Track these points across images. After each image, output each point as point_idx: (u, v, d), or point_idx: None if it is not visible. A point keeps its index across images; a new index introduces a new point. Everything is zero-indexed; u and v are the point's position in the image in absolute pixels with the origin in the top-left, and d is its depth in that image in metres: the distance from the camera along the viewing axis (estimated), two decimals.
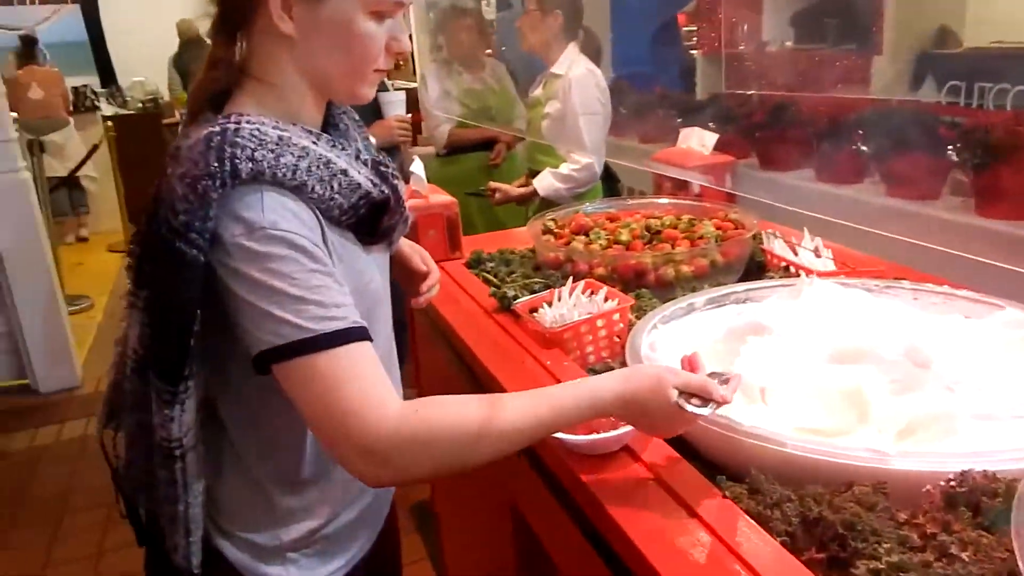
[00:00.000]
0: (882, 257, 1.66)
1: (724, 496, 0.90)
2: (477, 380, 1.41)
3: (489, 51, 3.66)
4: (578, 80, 2.49)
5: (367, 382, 0.81)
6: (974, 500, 0.79)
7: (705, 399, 0.89)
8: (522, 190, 2.68)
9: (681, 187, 2.18)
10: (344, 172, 0.88)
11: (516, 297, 1.52)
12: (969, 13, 3.92)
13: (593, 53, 2.64)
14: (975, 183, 2.27)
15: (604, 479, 0.97)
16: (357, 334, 0.82)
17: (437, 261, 1.90)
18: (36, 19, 7.38)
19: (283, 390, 0.82)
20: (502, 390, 1.27)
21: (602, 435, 1.00)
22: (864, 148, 2.56)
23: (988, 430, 0.94)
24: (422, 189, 1.89)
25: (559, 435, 0.99)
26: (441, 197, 1.92)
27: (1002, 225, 2.19)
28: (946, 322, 1.24)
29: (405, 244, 1.27)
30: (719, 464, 1.00)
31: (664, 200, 1.96)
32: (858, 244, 1.71)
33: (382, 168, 0.96)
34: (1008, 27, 3.77)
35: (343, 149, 0.91)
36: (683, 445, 1.03)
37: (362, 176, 0.91)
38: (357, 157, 0.93)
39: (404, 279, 1.29)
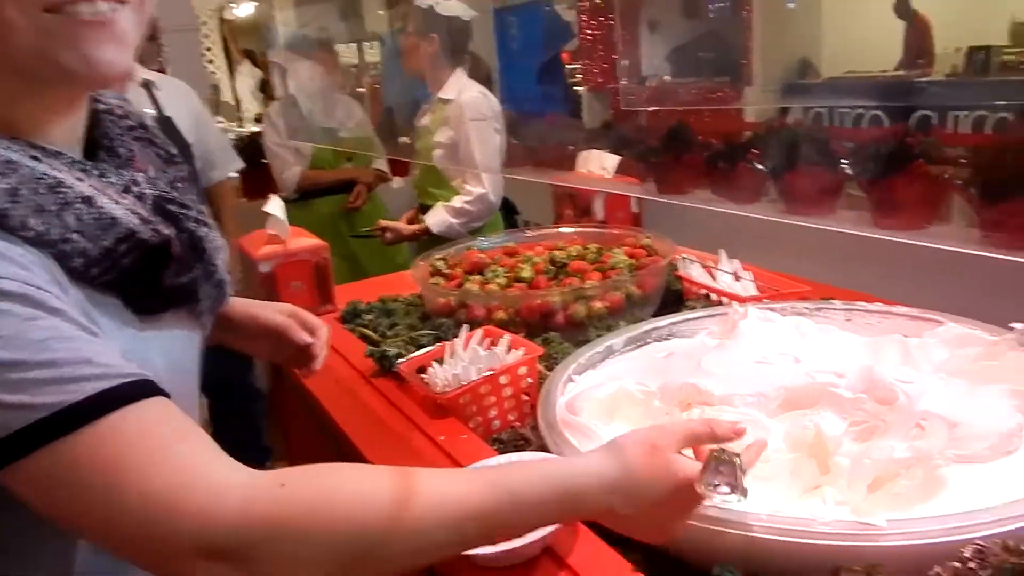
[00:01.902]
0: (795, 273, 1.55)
1: None
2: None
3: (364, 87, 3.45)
4: (470, 104, 2.31)
5: (181, 446, 0.55)
6: None
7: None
8: (415, 227, 2.46)
9: (584, 214, 2.02)
10: (87, 200, 0.60)
11: (399, 355, 1.29)
12: (825, 47, 4.23)
13: (483, 80, 2.47)
14: (869, 196, 2.21)
15: None
16: (137, 391, 0.55)
17: None
18: None
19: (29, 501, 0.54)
20: None
21: (521, 540, 0.77)
22: (760, 167, 2.49)
23: (976, 476, 0.78)
24: (282, 232, 1.64)
25: None
26: (306, 241, 1.67)
27: (898, 236, 2.14)
28: (889, 345, 1.10)
29: (270, 310, 1.00)
30: (672, 555, 0.80)
31: (568, 229, 1.78)
32: (770, 262, 1.60)
33: (170, 207, 0.67)
34: (859, 57, 4.09)
35: (101, 176, 0.64)
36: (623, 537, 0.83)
37: (121, 208, 0.63)
38: (127, 189, 0.66)
39: (281, 355, 1.02)
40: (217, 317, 0.80)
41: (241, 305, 0.99)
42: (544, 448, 0.96)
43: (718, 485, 0.65)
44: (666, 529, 0.70)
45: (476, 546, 0.65)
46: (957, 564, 0.62)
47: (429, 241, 2.43)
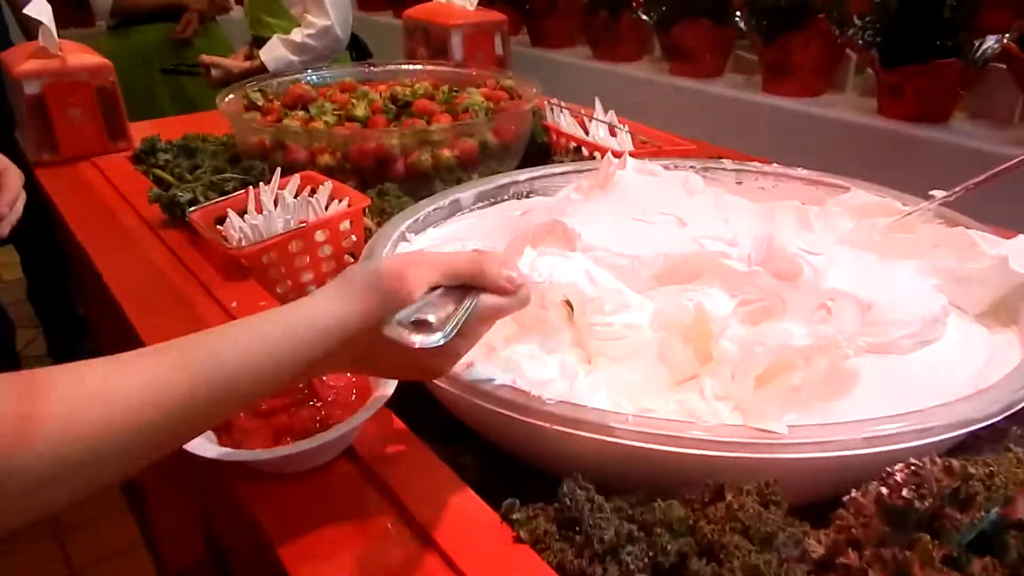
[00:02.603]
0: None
1: (516, 539, 0.50)
2: (127, 338, 0.91)
3: None
4: None
5: None
6: (932, 510, 0.46)
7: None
8: (246, 65, 2.07)
9: (438, 54, 1.72)
10: None
11: (193, 202, 1.01)
12: None
13: None
14: (762, 58, 2.04)
15: (306, 513, 0.54)
16: None
17: (88, 156, 1.34)
18: None
19: None
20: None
21: (305, 443, 0.55)
22: (645, 19, 2.25)
23: (893, 370, 0.63)
24: (52, 46, 1.27)
25: (211, 448, 0.54)
26: (87, 58, 1.31)
27: (789, 102, 1.99)
28: (784, 213, 0.93)
29: None
30: (514, 459, 0.61)
31: (417, 66, 1.49)
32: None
33: None
34: None
35: None
36: (458, 431, 0.63)
37: None
38: None
39: None
40: None
41: None
42: None
43: (421, 322, 0.46)
44: (428, 369, 0.56)
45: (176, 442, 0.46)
46: (884, 489, 0.46)
47: None
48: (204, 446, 0.54)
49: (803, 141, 1.89)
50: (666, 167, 0.98)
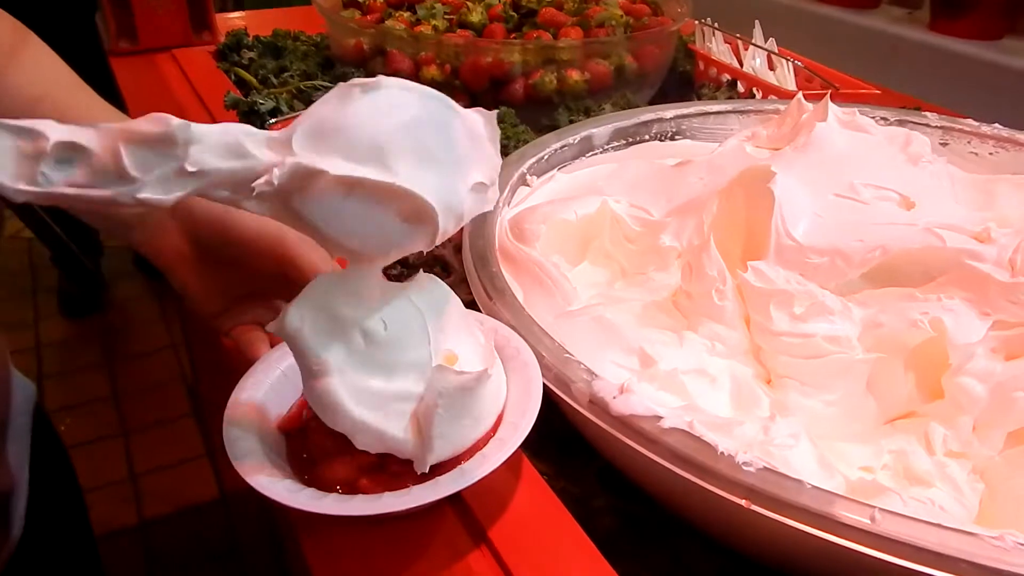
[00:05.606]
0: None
1: None
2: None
3: None
4: None
5: None
6: None
7: None
8: None
9: None
10: None
11: (276, 112, 0.86)
12: None
13: None
14: None
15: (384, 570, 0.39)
16: None
17: (169, 47, 1.20)
18: None
19: None
20: None
21: (396, 498, 0.39)
22: None
23: None
24: None
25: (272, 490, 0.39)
26: None
27: (961, 45, 1.70)
28: (1008, 191, 0.71)
29: None
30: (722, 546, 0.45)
31: None
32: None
33: None
34: None
35: None
36: (578, 446, 0.47)
37: None
38: None
39: None
40: None
41: None
42: (465, 284, 0.57)
43: None
44: None
45: None
46: None
47: None
48: (270, 479, 0.40)
49: (975, 94, 1.61)
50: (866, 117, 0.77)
